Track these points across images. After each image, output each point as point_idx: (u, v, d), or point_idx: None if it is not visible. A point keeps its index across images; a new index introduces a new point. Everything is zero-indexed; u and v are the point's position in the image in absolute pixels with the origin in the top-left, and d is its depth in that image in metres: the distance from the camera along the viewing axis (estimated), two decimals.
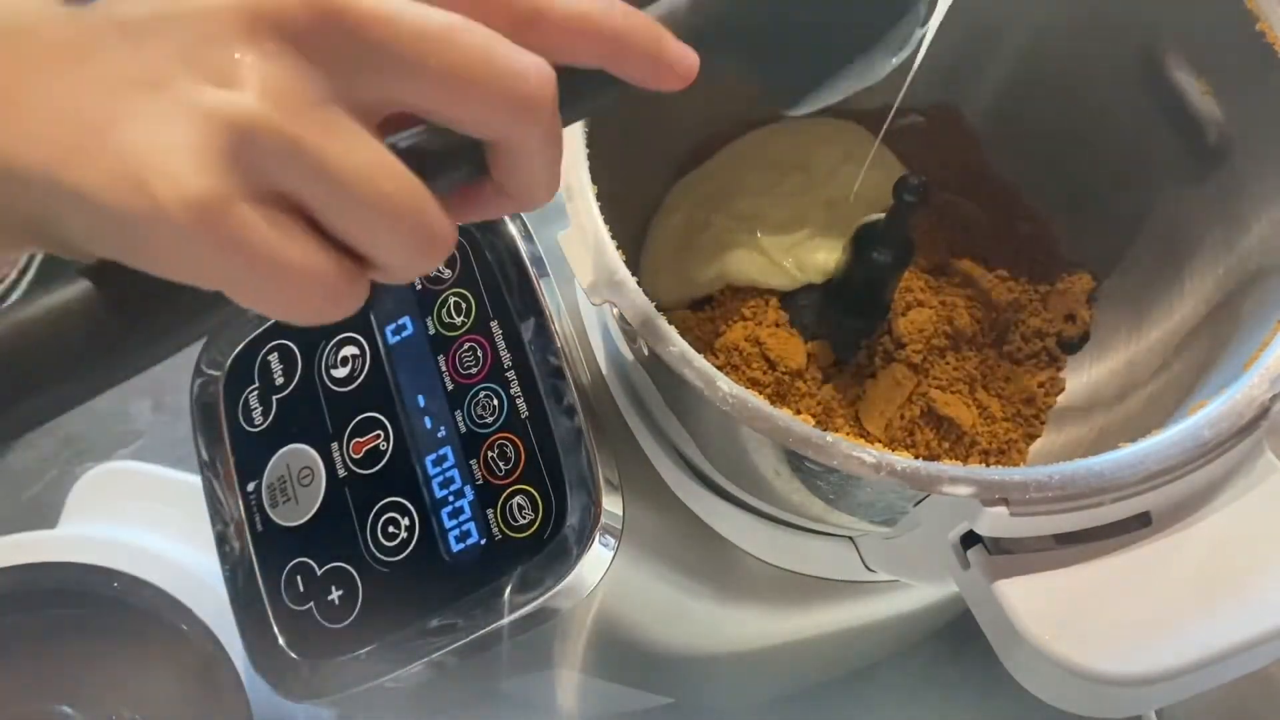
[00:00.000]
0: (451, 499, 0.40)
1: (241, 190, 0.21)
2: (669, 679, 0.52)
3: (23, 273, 0.61)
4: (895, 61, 0.34)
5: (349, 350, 0.44)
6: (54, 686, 0.53)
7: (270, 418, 0.44)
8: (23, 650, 0.52)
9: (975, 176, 0.51)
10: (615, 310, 0.33)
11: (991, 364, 0.47)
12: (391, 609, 0.40)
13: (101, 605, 0.50)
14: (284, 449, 0.44)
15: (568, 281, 0.42)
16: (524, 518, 0.39)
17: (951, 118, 0.51)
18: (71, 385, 0.23)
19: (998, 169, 0.51)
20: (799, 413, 0.38)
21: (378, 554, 0.41)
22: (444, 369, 0.42)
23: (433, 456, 0.41)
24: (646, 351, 0.33)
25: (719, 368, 0.33)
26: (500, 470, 0.40)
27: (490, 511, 0.39)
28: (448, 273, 0.43)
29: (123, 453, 0.63)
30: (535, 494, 0.39)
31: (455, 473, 0.40)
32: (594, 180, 0.36)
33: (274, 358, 0.45)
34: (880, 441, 0.44)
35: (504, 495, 0.39)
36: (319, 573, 0.42)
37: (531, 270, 0.41)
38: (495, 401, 0.40)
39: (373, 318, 0.44)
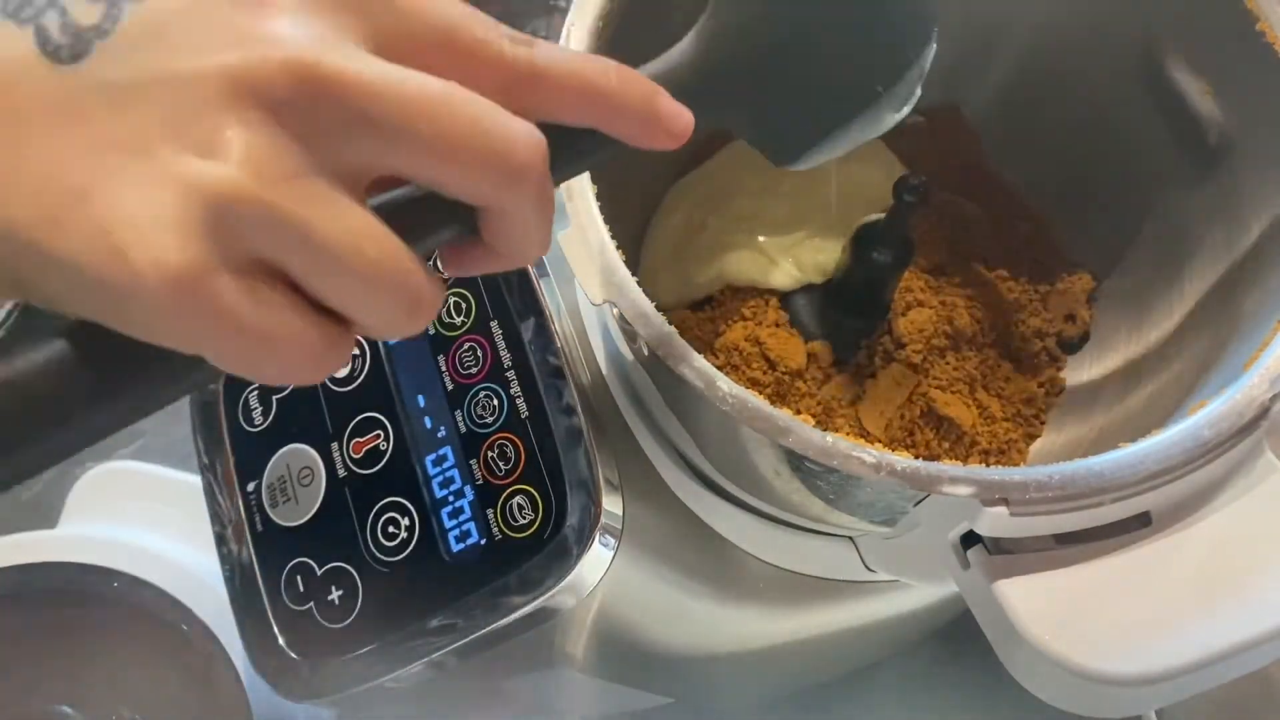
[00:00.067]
0: (451, 499, 0.40)
1: (221, 261, 0.21)
2: (669, 679, 0.52)
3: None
4: (899, 116, 0.33)
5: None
6: (54, 686, 0.53)
7: (270, 418, 0.44)
8: (23, 650, 0.52)
9: (975, 176, 0.51)
10: (615, 310, 0.33)
11: (991, 364, 0.47)
12: (391, 609, 0.40)
13: (101, 605, 0.50)
14: (284, 449, 0.44)
15: (568, 281, 0.42)
16: (524, 518, 0.39)
17: (951, 118, 0.51)
18: (48, 444, 0.23)
19: (998, 169, 0.51)
20: (799, 413, 0.38)
21: (378, 554, 0.41)
22: (444, 369, 0.42)
23: (433, 456, 0.41)
24: (646, 351, 0.33)
25: (719, 368, 0.33)
26: (500, 470, 0.40)
27: (490, 511, 0.39)
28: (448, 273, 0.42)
29: (123, 453, 0.63)
30: (535, 494, 0.39)
31: (455, 473, 0.40)
32: (594, 180, 0.36)
33: None
34: (880, 441, 0.44)
35: (504, 495, 0.39)
36: (319, 573, 0.42)
37: (531, 270, 0.41)
38: (495, 401, 0.40)
39: None
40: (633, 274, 0.34)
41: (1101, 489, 0.31)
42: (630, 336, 0.34)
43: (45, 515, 0.57)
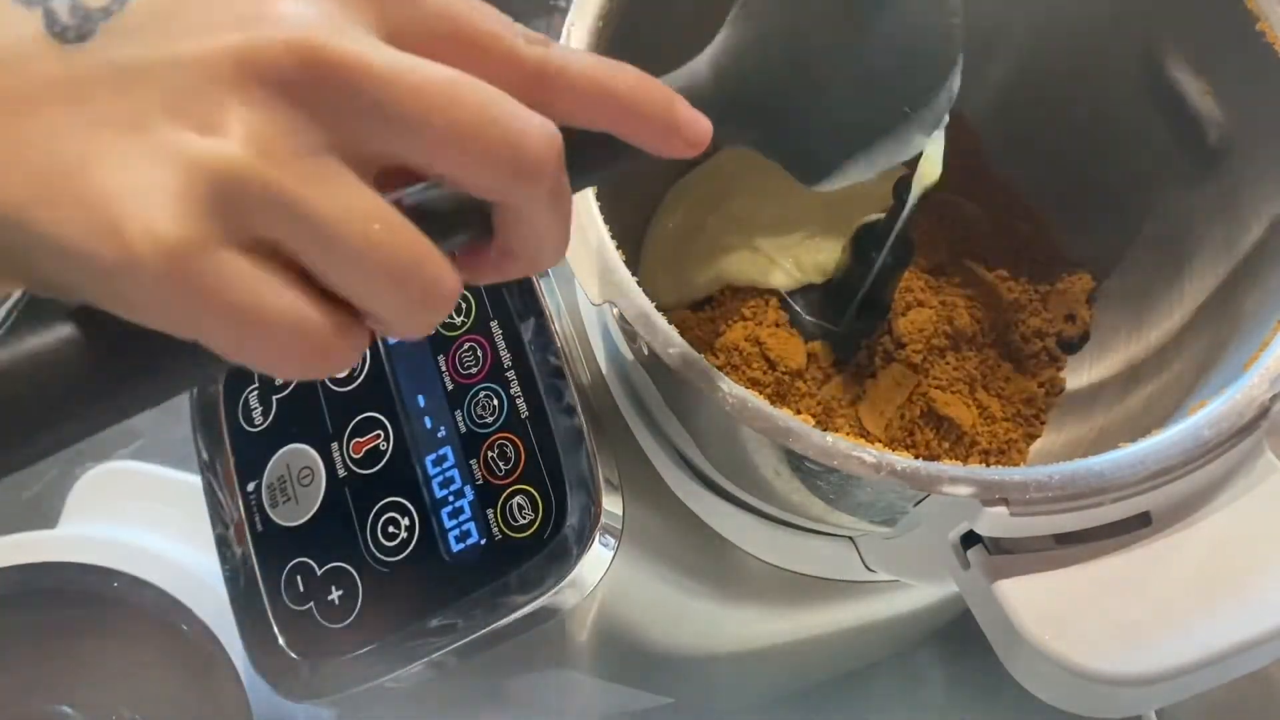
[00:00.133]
0: (451, 499, 0.40)
1: (220, 237, 0.20)
2: (669, 679, 0.52)
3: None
4: (928, 139, 0.33)
5: None
6: (54, 686, 0.53)
7: (270, 418, 0.44)
8: (23, 650, 0.52)
9: (975, 176, 0.51)
10: (615, 310, 0.33)
11: (991, 364, 0.47)
12: (391, 609, 0.40)
13: (101, 605, 0.50)
14: (284, 449, 0.44)
15: (568, 281, 0.42)
16: (524, 518, 0.39)
17: (951, 118, 0.50)
18: (47, 435, 0.22)
19: (998, 169, 0.51)
20: (799, 413, 0.38)
21: (378, 554, 0.41)
22: (444, 369, 0.42)
23: (433, 456, 0.41)
24: (646, 351, 0.33)
25: (719, 368, 0.33)
26: (500, 470, 0.40)
27: (490, 511, 0.39)
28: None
29: (123, 453, 0.63)
30: (535, 494, 0.39)
31: (455, 473, 0.40)
32: None
33: None
34: (880, 441, 0.44)
35: (504, 495, 0.39)
36: (319, 573, 0.42)
37: None
38: (495, 401, 0.40)
39: None
40: (633, 274, 0.34)
41: (1101, 489, 0.31)
42: (630, 336, 0.34)
43: (45, 515, 0.58)
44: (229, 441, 0.45)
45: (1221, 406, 0.32)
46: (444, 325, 0.42)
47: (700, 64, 0.30)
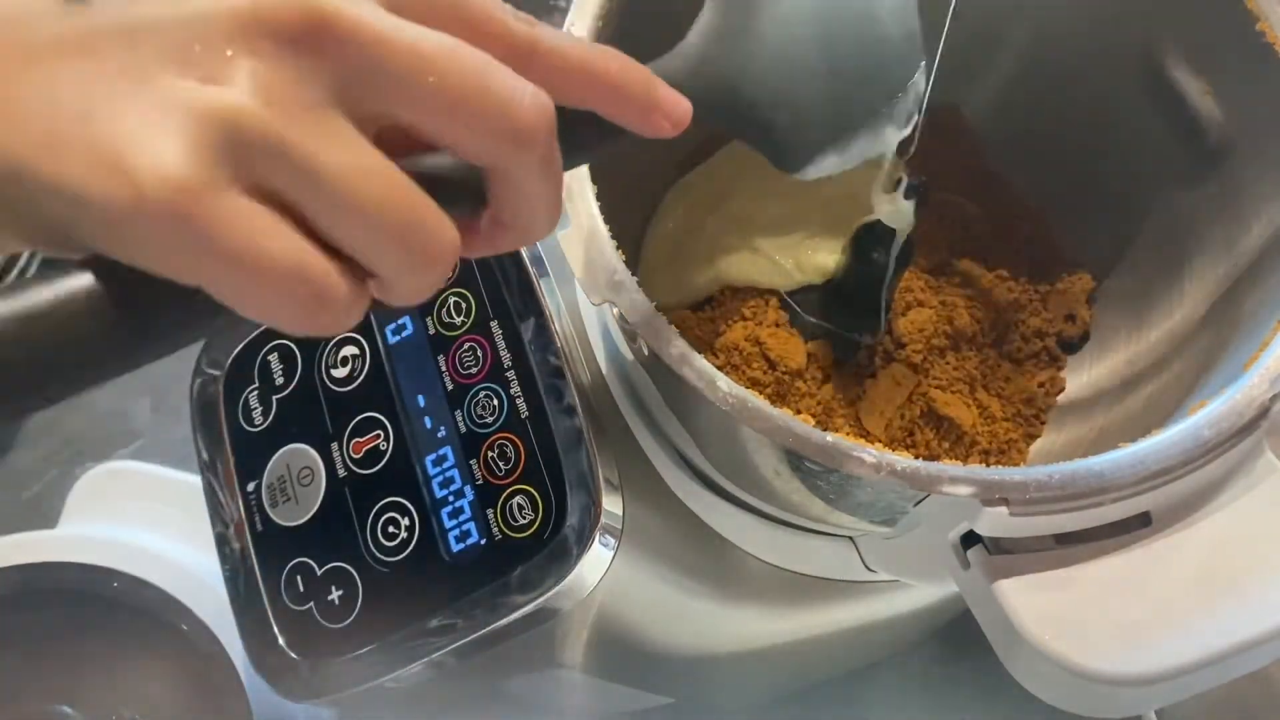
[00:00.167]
0: (451, 499, 0.40)
1: (225, 182, 0.21)
2: (669, 679, 0.52)
3: (22, 273, 0.61)
4: (902, 133, 0.34)
5: (349, 350, 0.44)
6: (54, 686, 0.53)
7: (270, 418, 0.44)
8: (23, 650, 0.52)
9: (975, 176, 0.51)
10: (615, 310, 0.33)
11: (991, 364, 0.47)
12: (391, 609, 0.40)
13: (101, 605, 0.50)
14: (284, 449, 0.44)
15: (568, 281, 0.42)
16: (524, 518, 0.39)
17: (952, 118, 0.51)
18: (58, 384, 0.22)
19: (998, 169, 0.51)
20: (799, 413, 0.38)
21: (378, 554, 0.41)
22: (444, 369, 0.42)
23: (433, 456, 0.41)
24: (646, 351, 0.33)
25: (719, 368, 0.33)
26: (500, 470, 0.40)
27: (490, 511, 0.39)
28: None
29: (123, 453, 0.63)
30: (535, 494, 0.39)
31: (455, 473, 0.40)
32: (594, 180, 0.36)
33: (274, 358, 0.45)
34: (880, 441, 0.44)
35: (504, 495, 0.39)
36: (319, 573, 0.42)
37: (531, 270, 0.41)
38: (495, 401, 0.40)
39: (373, 318, 0.44)
40: (633, 274, 0.34)
41: (1101, 489, 0.31)
42: (630, 336, 0.34)
43: (45, 515, 0.58)
44: (229, 441, 0.45)
45: (1221, 406, 0.32)
46: (444, 325, 0.42)
47: (681, 49, 0.31)
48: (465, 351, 0.41)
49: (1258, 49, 0.37)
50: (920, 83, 0.34)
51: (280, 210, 0.22)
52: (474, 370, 0.41)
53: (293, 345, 0.45)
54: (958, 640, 0.58)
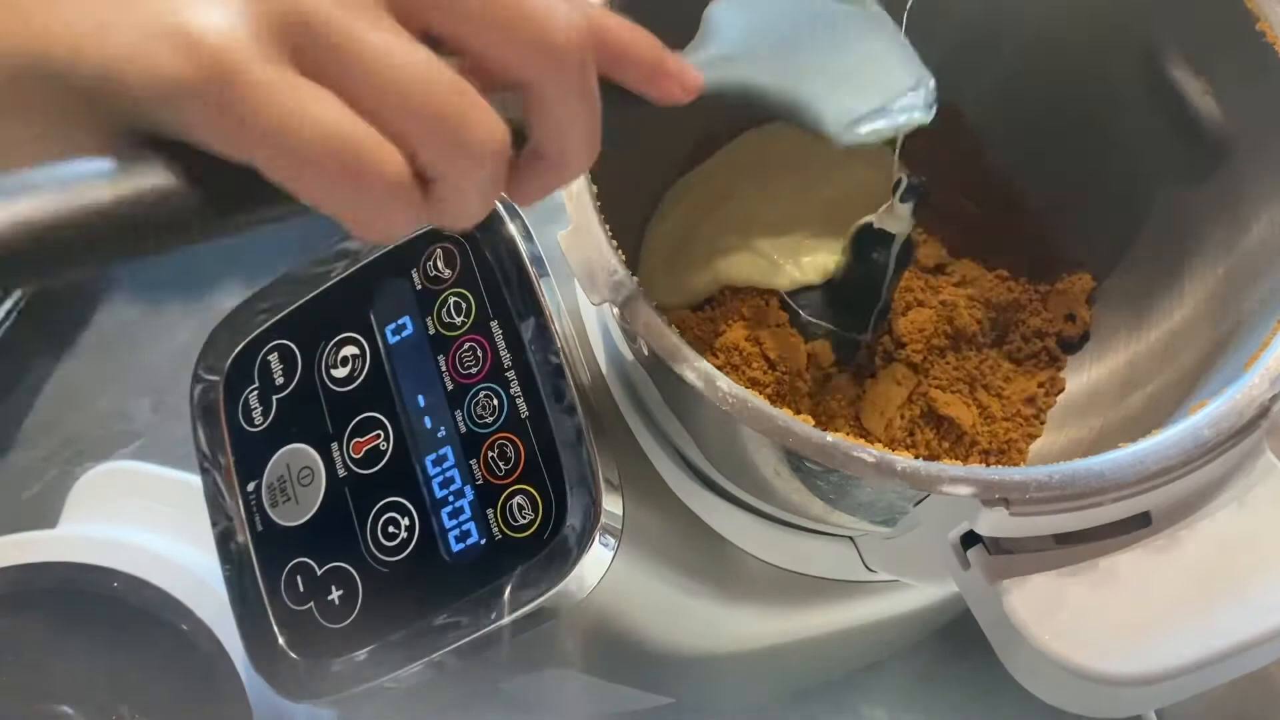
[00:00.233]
0: (451, 499, 0.40)
1: (275, 54, 0.22)
2: (669, 679, 0.52)
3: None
4: (926, 118, 0.34)
5: (349, 350, 0.44)
6: (54, 686, 0.53)
7: (270, 418, 0.44)
8: (23, 650, 0.52)
9: (975, 176, 0.51)
10: (615, 310, 0.33)
11: (991, 364, 0.47)
12: (391, 609, 0.40)
13: (101, 605, 0.50)
14: (284, 449, 0.44)
15: (568, 281, 0.42)
16: (524, 518, 0.39)
17: (951, 118, 0.51)
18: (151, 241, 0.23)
19: (998, 169, 0.51)
20: (799, 413, 0.38)
21: (378, 554, 0.41)
22: (444, 369, 0.42)
23: (433, 456, 0.41)
24: (646, 351, 0.33)
25: (719, 368, 0.33)
26: (500, 470, 0.40)
27: (490, 511, 0.39)
28: (448, 272, 0.43)
29: (123, 453, 0.63)
30: (535, 494, 0.39)
31: (455, 473, 0.40)
32: (594, 180, 0.36)
33: (274, 358, 0.45)
34: (880, 441, 0.44)
35: (504, 495, 0.39)
36: (319, 573, 0.42)
37: (531, 270, 0.41)
38: (495, 401, 0.40)
39: (373, 317, 0.44)
40: (632, 274, 0.34)
41: (1101, 489, 0.31)
42: (630, 336, 0.34)
43: (45, 515, 0.57)
44: (229, 441, 0.45)
45: (1221, 406, 0.32)
46: (444, 325, 0.42)
47: (686, 53, 0.32)
48: (465, 351, 0.41)
49: (1258, 49, 0.37)
50: (930, 83, 0.35)
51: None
52: (474, 370, 0.41)
53: (292, 345, 0.45)
54: (958, 640, 0.58)
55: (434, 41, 0.24)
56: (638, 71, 0.27)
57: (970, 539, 0.33)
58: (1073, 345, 0.48)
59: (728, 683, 0.55)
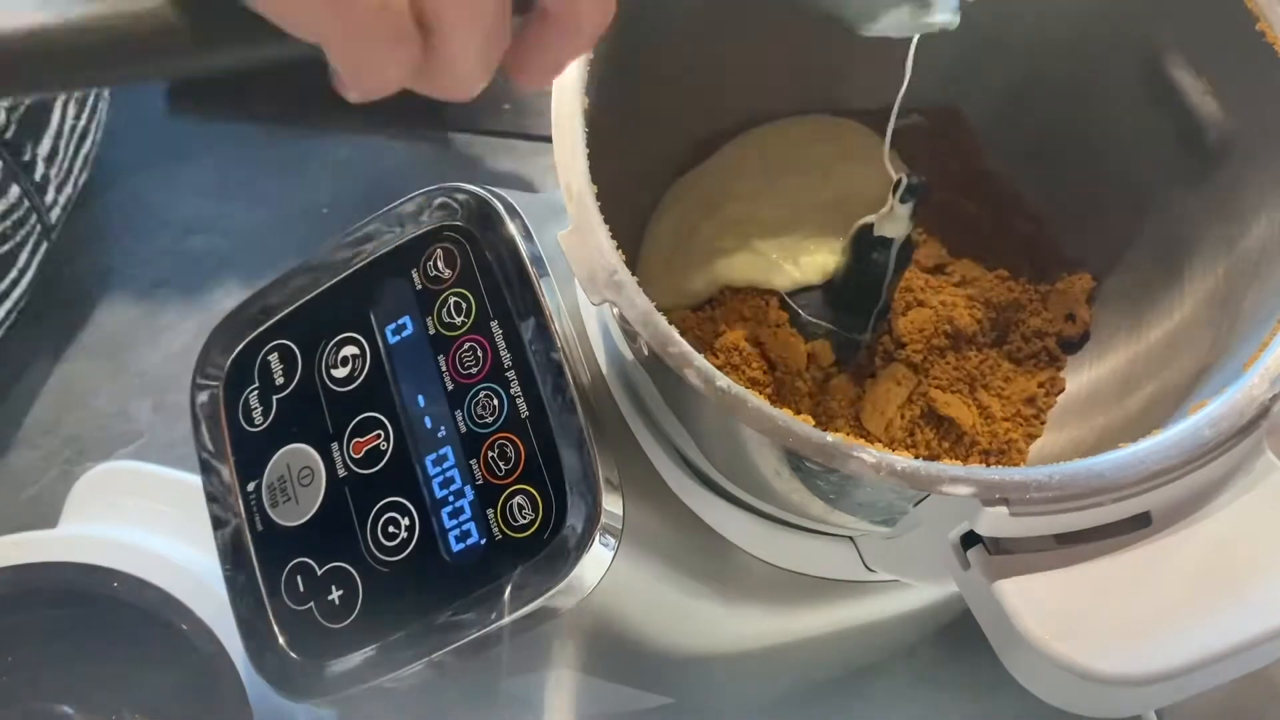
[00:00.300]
0: (452, 499, 0.40)
1: None
2: (669, 679, 0.52)
3: (22, 272, 0.61)
4: (947, 19, 0.34)
5: (349, 350, 0.44)
6: (54, 686, 0.53)
7: (270, 418, 0.44)
8: (23, 650, 0.52)
9: (975, 176, 0.51)
10: (615, 310, 0.33)
11: (991, 364, 0.47)
12: (392, 609, 0.40)
13: (101, 605, 0.50)
14: (284, 449, 0.44)
15: (568, 281, 0.42)
16: (524, 518, 0.39)
17: (952, 118, 0.51)
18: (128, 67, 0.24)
19: (998, 169, 0.51)
20: (799, 413, 0.38)
21: (378, 554, 0.41)
22: (444, 369, 0.42)
23: (433, 456, 0.41)
24: (646, 351, 0.33)
25: (719, 368, 0.33)
26: (500, 470, 0.40)
27: (490, 511, 0.39)
28: (448, 272, 0.43)
29: (123, 453, 0.63)
30: (535, 494, 0.39)
31: (455, 473, 0.40)
32: (594, 180, 0.36)
33: (274, 358, 0.45)
34: (880, 441, 0.44)
35: (504, 495, 0.39)
36: (319, 573, 0.42)
37: (531, 270, 0.41)
38: (495, 401, 0.40)
39: (373, 317, 0.44)
40: (632, 274, 0.34)
41: (1101, 489, 0.31)
42: (630, 336, 0.34)
43: (45, 515, 0.57)
44: (229, 441, 0.45)
45: (1221, 406, 0.32)
46: (444, 325, 0.42)
47: None
48: (465, 351, 0.41)
49: (1258, 49, 0.37)
50: None
51: None
52: (474, 370, 0.41)
53: (293, 345, 0.45)
54: (958, 640, 0.58)
55: None
56: None
57: (970, 539, 0.33)
58: (1073, 345, 0.48)
59: (728, 683, 0.55)
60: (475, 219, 0.43)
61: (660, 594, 0.43)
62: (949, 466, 0.31)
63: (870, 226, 0.43)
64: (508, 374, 0.40)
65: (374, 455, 0.42)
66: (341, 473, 0.42)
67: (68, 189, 0.63)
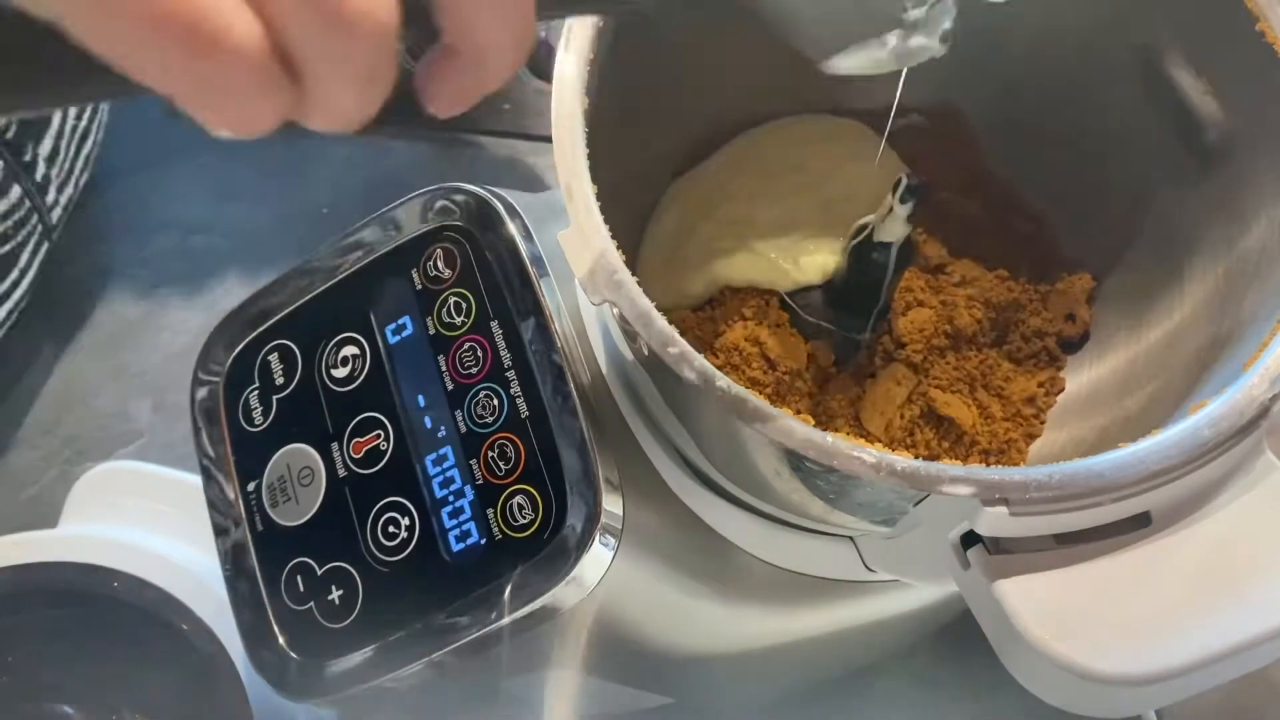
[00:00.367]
0: (452, 499, 0.40)
1: None
2: (669, 679, 0.52)
3: (23, 272, 0.61)
4: (931, 46, 0.32)
5: (349, 350, 0.44)
6: (54, 686, 0.53)
7: (270, 418, 0.44)
8: (23, 650, 0.52)
9: (975, 176, 0.51)
10: (615, 310, 0.33)
11: (991, 364, 0.47)
12: (392, 609, 0.40)
13: (101, 605, 0.50)
14: (284, 449, 0.44)
15: (568, 281, 0.42)
16: (524, 518, 0.39)
17: (952, 117, 0.51)
18: None
19: (998, 169, 0.51)
20: (799, 413, 0.38)
21: (378, 554, 0.41)
22: (444, 369, 0.42)
23: (433, 456, 0.41)
24: (646, 351, 0.33)
25: (719, 368, 0.33)
26: (500, 470, 0.40)
27: (490, 511, 0.39)
28: (448, 273, 0.43)
29: (123, 453, 0.63)
30: (535, 494, 0.39)
31: (455, 472, 0.40)
32: (594, 180, 0.36)
33: (274, 358, 0.45)
34: (880, 441, 0.44)
35: (504, 495, 0.39)
36: (319, 573, 0.42)
37: (531, 270, 0.41)
38: (495, 401, 0.40)
39: (373, 317, 0.44)
40: (632, 274, 0.34)
41: (1101, 489, 0.31)
42: (630, 336, 0.34)
43: (45, 515, 0.57)
44: (229, 441, 0.45)
45: (1221, 406, 0.32)
46: (444, 325, 0.42)
47: None
48: (465, 351, 0.41)
49: (1258, 49, 0.37)
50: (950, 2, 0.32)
51: None
52: (474, 370, 0.41)
53: (293, 345, 0.45)
54: (958, 640, 0.58)
55: None
56: None
57: (970, 539, 0.33)
58: (1073, 345, 0.48)
59: (728, 683, 0.55)
60: (475, 219, 0.43)
61: (660, 594, 0.43)
62: (949, 466, 0.31)
63: (870, 226, 0.43)
64: (508, 374, 0.40)
65: (374, 455, 0.42)
66: (341, 473, 0.42)
67: (69, 189, 0.63)
